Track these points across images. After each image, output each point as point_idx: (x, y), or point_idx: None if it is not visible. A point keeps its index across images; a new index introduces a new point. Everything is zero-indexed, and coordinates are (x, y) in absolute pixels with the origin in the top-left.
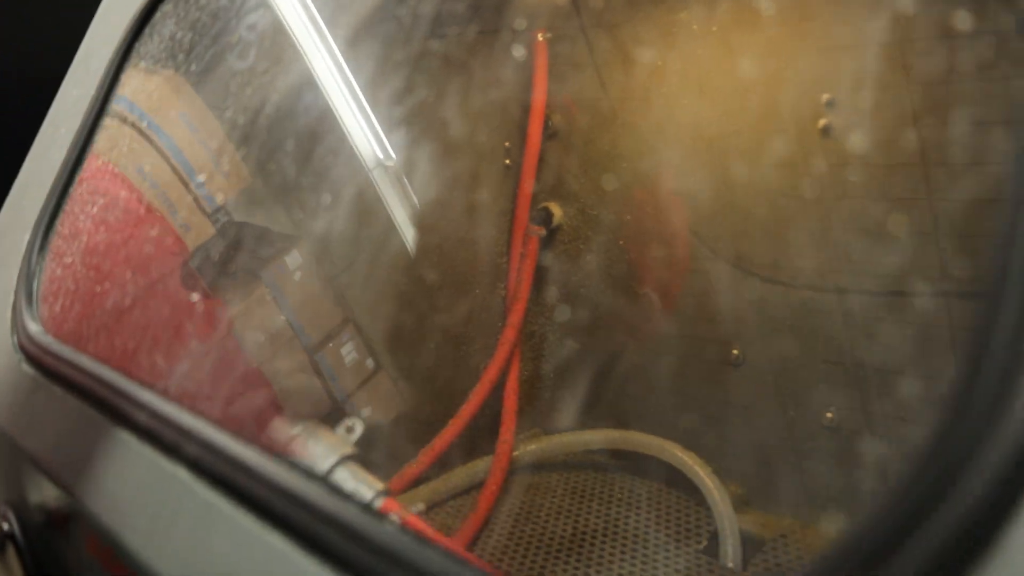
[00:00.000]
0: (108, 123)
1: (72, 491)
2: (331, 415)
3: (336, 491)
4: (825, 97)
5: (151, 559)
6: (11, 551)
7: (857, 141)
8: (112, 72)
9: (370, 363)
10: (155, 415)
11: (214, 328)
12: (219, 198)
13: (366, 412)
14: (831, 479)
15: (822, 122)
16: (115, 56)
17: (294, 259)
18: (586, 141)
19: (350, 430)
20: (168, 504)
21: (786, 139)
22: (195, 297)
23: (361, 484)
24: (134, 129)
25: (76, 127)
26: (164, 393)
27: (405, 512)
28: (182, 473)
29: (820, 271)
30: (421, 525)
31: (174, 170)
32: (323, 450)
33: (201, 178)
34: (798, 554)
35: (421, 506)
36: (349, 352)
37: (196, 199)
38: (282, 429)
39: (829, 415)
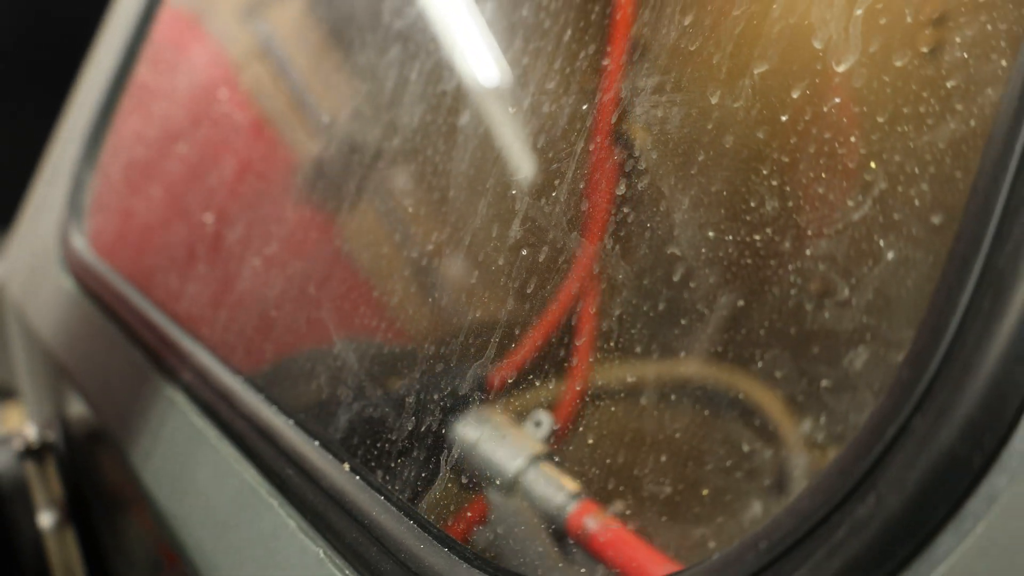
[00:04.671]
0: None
1: (98, 410)
2: (438, 322)
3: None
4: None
5: (146, 477)
6: (51, 463)
7: None
8: None
9: (470, 273)
10: (161, 337)
11: (321, 242)
12: (326, 117)
13: (470, 317)
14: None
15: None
16: None
17: (399, 176)
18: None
19: (538, 424)
20: (165, 426)
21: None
22: (302, 211)
23: (550, 486)
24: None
25: (124, 38)
26: (206, 314)
27: (603, 516)
28: (179, 397)
29: None
30: (622, 533)
31: (285, 84)
32: (509, 451)
33: (311, 95)
34: None
35: (620, 506)
36: (451, 264)
37: (305, 115)
38: (466, 431)
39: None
